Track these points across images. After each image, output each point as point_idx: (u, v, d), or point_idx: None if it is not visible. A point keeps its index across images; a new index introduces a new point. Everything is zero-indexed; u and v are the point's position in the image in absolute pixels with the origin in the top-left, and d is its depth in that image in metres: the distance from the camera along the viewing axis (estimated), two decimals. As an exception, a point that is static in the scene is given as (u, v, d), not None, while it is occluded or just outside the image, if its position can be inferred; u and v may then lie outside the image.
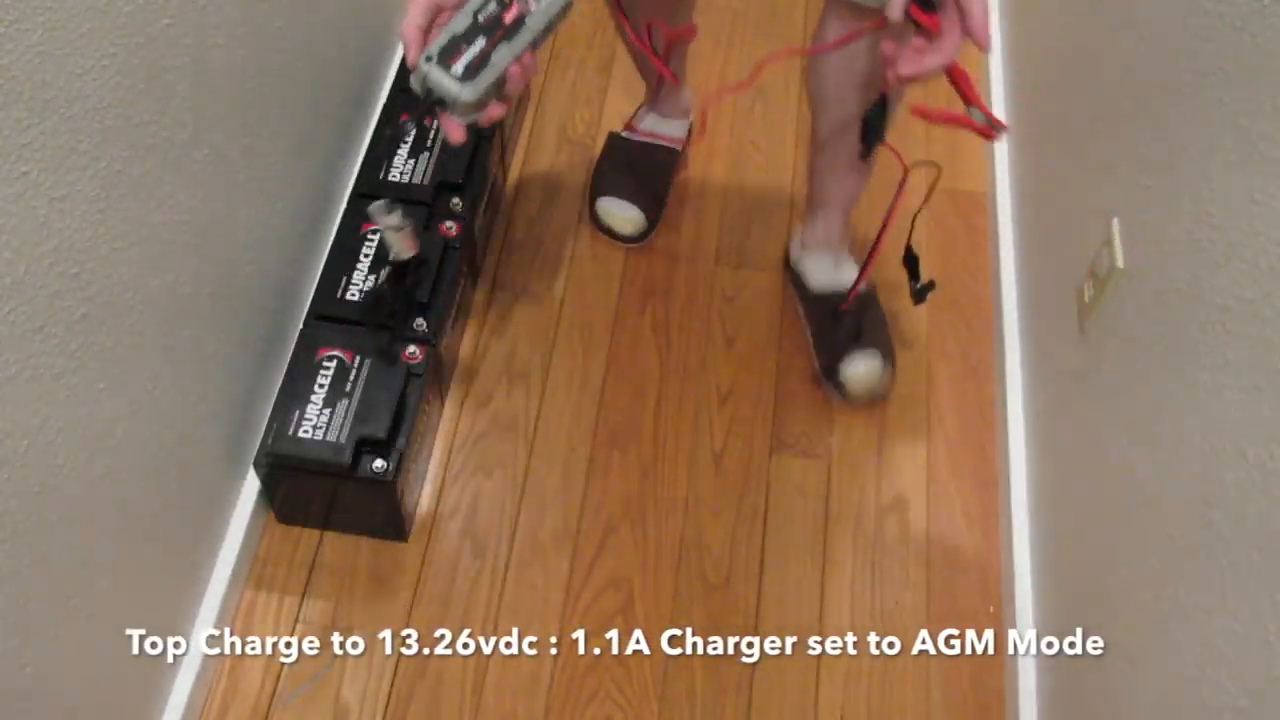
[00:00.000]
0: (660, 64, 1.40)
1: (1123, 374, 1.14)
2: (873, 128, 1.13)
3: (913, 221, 1.36)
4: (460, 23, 0.93)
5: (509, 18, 0.94)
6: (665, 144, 1.65)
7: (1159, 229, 1.09)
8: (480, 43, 0.93)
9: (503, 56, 0.94)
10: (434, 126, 1.50)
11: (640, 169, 1.64)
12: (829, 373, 1.48)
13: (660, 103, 1.64)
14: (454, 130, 0.98)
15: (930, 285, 1.38)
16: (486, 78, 0.94)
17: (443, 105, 0.95)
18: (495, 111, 0.99)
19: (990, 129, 1.01)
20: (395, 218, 1.11)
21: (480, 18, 0.93)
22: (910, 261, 1.38)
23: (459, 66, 0.93)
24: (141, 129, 0.99)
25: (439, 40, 0.94)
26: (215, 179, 1.14)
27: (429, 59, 0.93)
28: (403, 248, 1.16)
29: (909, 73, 0.96)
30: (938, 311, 1.59)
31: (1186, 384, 0.99)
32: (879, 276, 1.52)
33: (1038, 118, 1.57)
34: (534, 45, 0.96)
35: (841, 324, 1.48)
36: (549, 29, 0.97)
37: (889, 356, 1.48)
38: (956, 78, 0.98)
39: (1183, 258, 1.03)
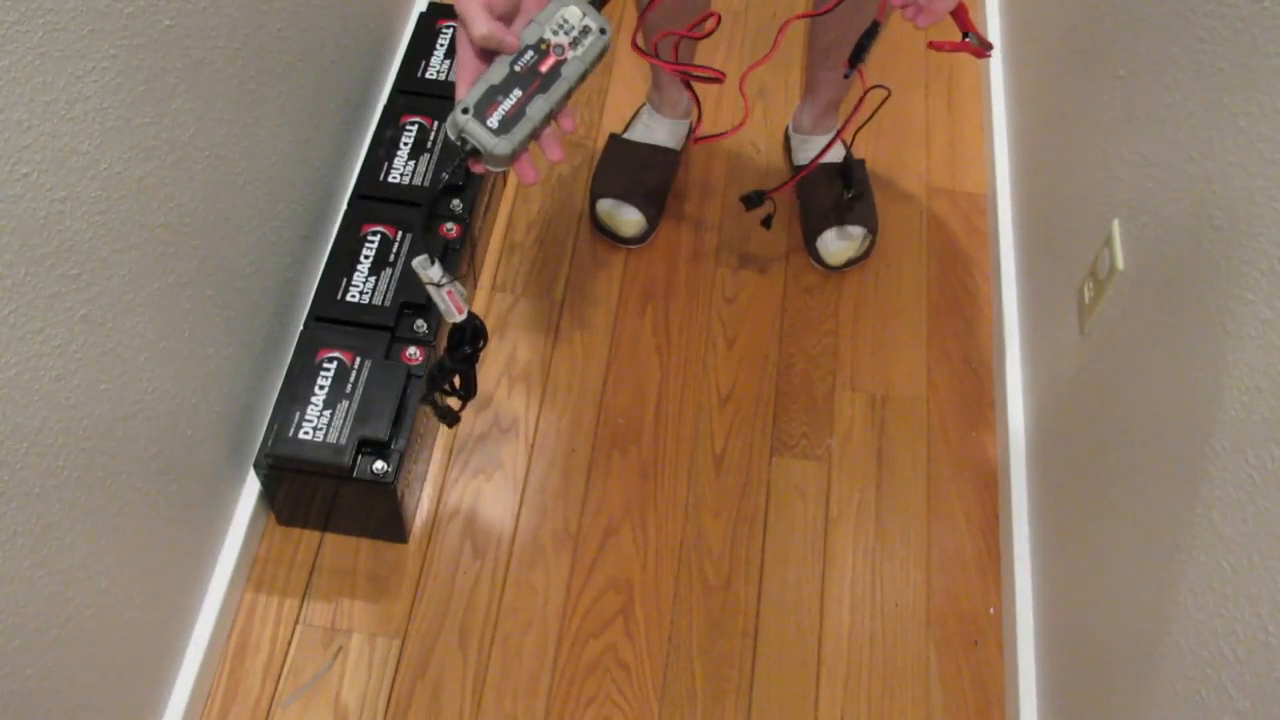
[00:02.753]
0: (690, 84, 1.35)
1: (1123, 374, 1.14)
2: (861, 50, 1.22)
3: (854, 135, 1.56)
4: (497, 73, 0.92)
5: (545, 67, 0.93)
6: (665, 145, 1.65)
7: (1159, 230, 1.09)
8: (516, 94, 0.92)
9: (538, 109, 0.92)
10: (434, 127, 1.50)
11: (640, 171, 1.64)
12: (810, 244, 1.62)
13: (662, 104, 1.65)
14: (527, 173, 0.97)
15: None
16: (521, 130, 0.92)
17: (477, 156, 0.94)
18: (527, 175, 0.97)
19: (982, 49, 1.16)
20: (432, 272, 1.01)
21: (517, 68, 0.92)
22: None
23: (494, 119, 0.92)
24: (142, 130, 0.99)
25: (476, 91, 0.92)
26: (215, 180, 1.14)
27: (465, 110, 0.92)
28: (448, 308, 1.05)
29: (927, 23, 1.07)
30: (938, 312, 1.59)
31: (1187, 385, 0.99)
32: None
33: (1038, 119, 1.57)
34: (570, 94, 0.95)
35: (822, 198, 1.62)
36: (584, 77, 0.95)
37: (869, 225, 1.62)
38: (956, 10, 1.11)
39: (1183, 259, 1.03)
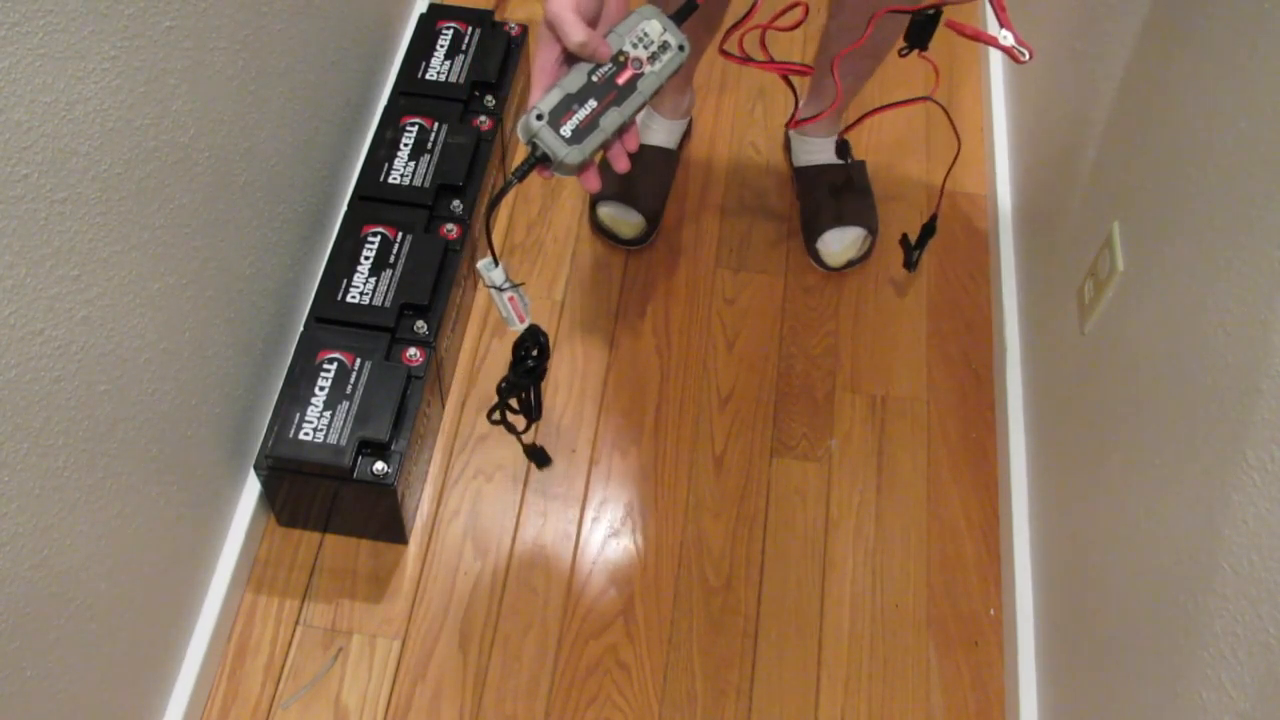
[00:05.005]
0: (783, 70, 1.30)
1: (1123, 375, 1.14)
2: (921, 32, 1.17)
3: (943, 185, 1.58)
4: (574, 81, 0.91)
5: (623, 80, 0.92)
6: (664, 146, 1.65)
7: (1160, 232, 1.09)
8: (591, 104, 0.92)
9: (611, 121, 0.92)
10: (435, 128, 1.50)
11: (640, 172, 1.63)
12: (810, 245, 1.62)
13: (661, 105, 1.65)
14: (592, 181, 0.97)
15: (920, 253, 1.52)
16: (593, 142, 0.92)
17: (547, 163, 0.93)
18: (590, 183, 0.97)
19: (1018, 52, 1.11)
20: (495, 275, 1.00)
21: (594, 78, 0.92)
22: (927, 231, 1.52)
23: (568, 128, 0.91)
24: (142, 131, 0.99)
25: (552, 97, 0.91)
26: (216, 181, 1.14)
27: (540, 116, 0.91)
28: (509, 315, 1.04)
29: None
30: (938, 312, 1.59)
31: (1187, 385, 0.99)
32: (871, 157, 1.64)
33: (1038, 120, 1.57)
34: (643, 107, 0.95)
35: (823, 198, 1.62)
36: (658, 91, 0.95)
37: (869, 225, 1.62)
38: (995, 4, 1.08)
39: (1183, 260, 1.03)
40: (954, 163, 1.57)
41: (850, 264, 1.61)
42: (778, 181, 1.71)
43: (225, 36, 1.11)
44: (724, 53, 1.18)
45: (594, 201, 1.63)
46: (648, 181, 1.63)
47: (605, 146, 0.94)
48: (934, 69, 1.30)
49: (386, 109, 1.54)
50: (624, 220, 1.60)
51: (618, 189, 1.62)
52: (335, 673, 1.29)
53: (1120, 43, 1.26)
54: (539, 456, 1.10)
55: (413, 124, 1.50)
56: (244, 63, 1.16)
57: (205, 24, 1.07)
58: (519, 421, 1.10)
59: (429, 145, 1.48)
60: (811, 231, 1.62)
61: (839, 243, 1.60)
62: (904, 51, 1.20)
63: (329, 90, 1.43)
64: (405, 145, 1.48)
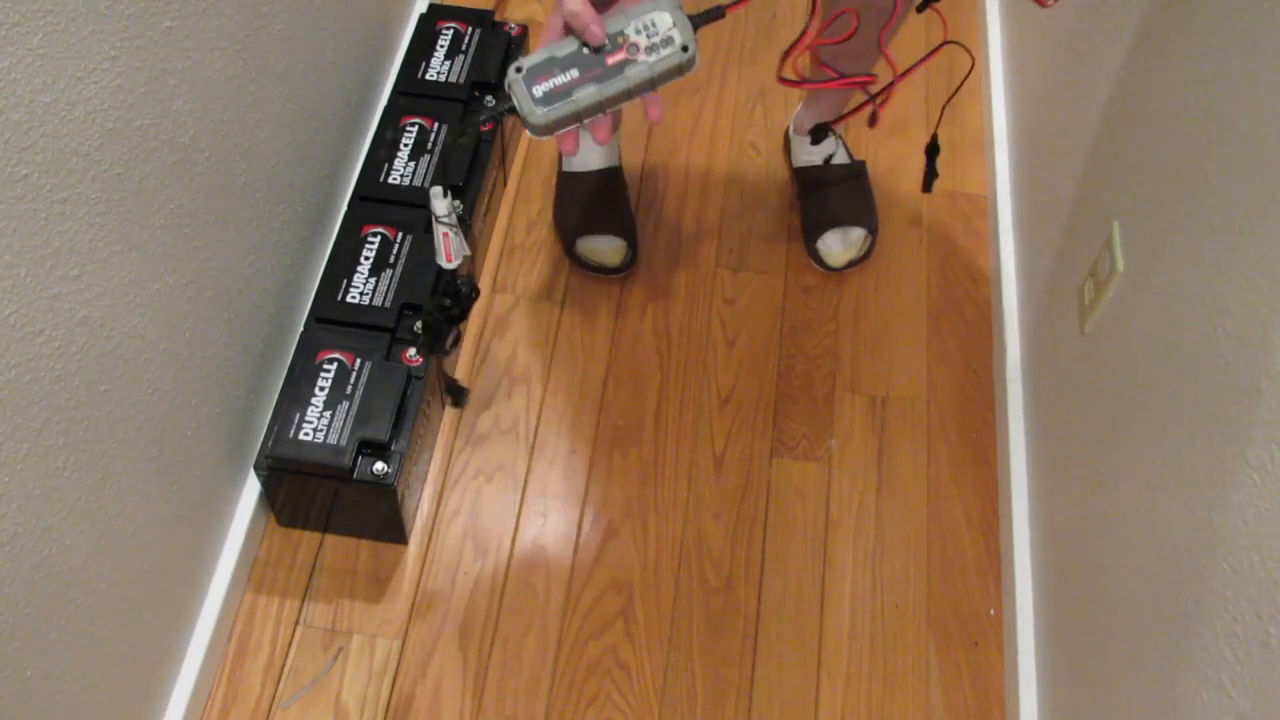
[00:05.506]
0: (848, 84, 1.25)
1: (1124, 376, 1.14)
2: None
3: (943, 108, 1.55)
4: (563, 47, 0.91)
5: (612, 60, 0.91)
6: (610, 166, 1.63)
7: (1159, 232, 1.09)
8: (572, 74, 0.90)
9: (586, 95, 0.90)
10: (435, 128, 1.50)
11: (604, 198, 1.61)
12: (810, 245, 1.61)
13: (591, 128, 1.60)
14: (567, 144, 0.96)
15: (936, 174, 1.47)
16: (561, 109, 0.91)
17: (515, 112, 0.92)
18: (568, 145, 0.96)
19: None
20: (438, 205, 1.01)
21: (585, 50, 0.90)
22: (932, 149, 1.46)
23: (541, 89, 0.90)
24: (142, 131, 0.99)
25: (537, 55, 0.91)
26: (216, 181, 1.14)
27: (519, 69, 0.91)
28: (440, 250, 1.04)
29: None
30: (938, 314, 1.59)
31: (1187, 385, 0.99)
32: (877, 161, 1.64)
33: (1038, 120, 1.57)
34: (629, 96, 0.93)
35: (823, 199, 1.62)
36: (651, 85, 0.93)
37: (869, 226, 1.62)
38: None
39: (1183, 260, 1.03)
40: (964, 79, 1.47)
41: (851, 264, 1.61)
42: (778, 181, 1.71)
43: (225, 36, 1.11)
44: (783, 80, 1.16)
45: (571, 242, 1.60)
46: (615, 205, 1.61)
47: (579, 119, 0.92)
48: (942, 21, 1.29)
49: (386, 109, 1.54)
50: (606, 249, 1.58)
51: (592, 222, 1.59)
52: (335, 673, 1.29)
53: (1120, 43, 1.26)
54: (455, 392, 1.12)
55: (413, 124, 1.50)
56: (244, 63, 1.16)
57: (205, 24, 1.07)
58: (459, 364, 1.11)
59: (429, 145, 1.49)
60: (812, 232, 1.62)
61: (840, 243, 1.60)
62: (920, 7, 1.18)
63: (329, 90, 1.43)
64: (405, 145, 1.48)
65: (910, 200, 1.70)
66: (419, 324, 1.10)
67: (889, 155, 1.74)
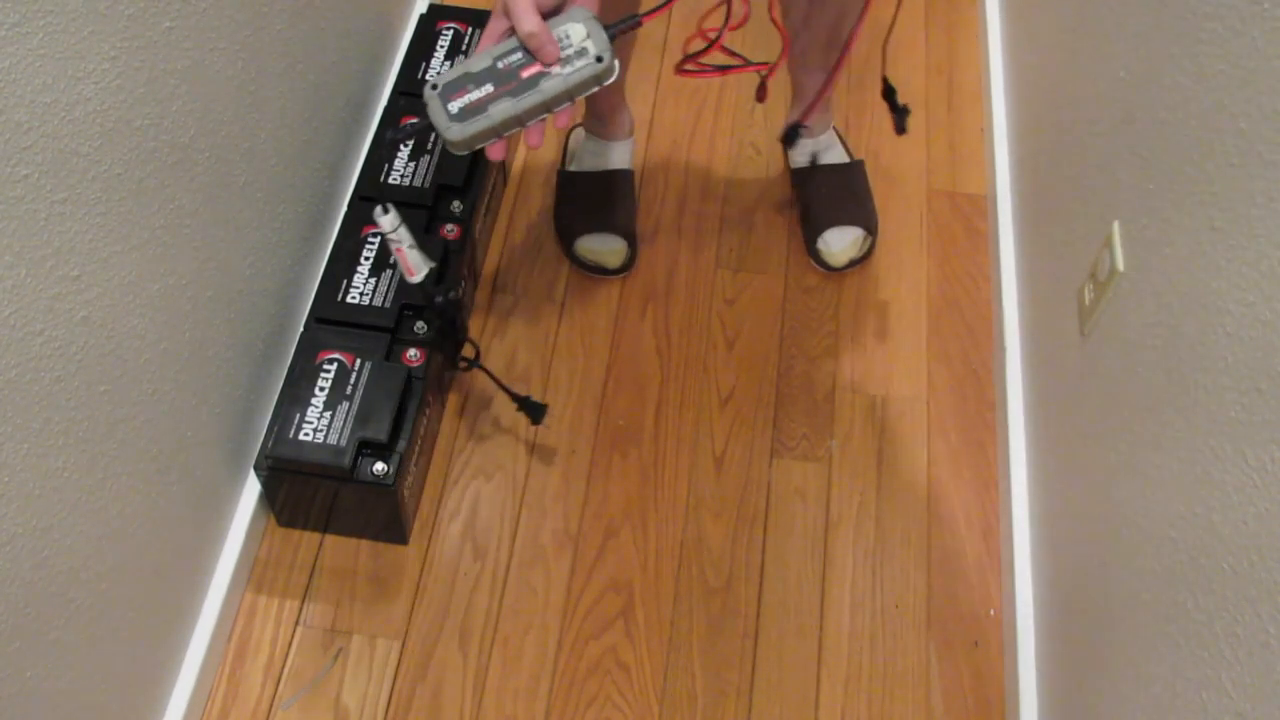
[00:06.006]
0: (749, 69, 1.30)
1: (1123, 376, 1.14)
2: None
3: (883, 49, 1.48)
4: (478, 62, 0.91)
5: (527, 74, 0.91)
6: (622, 168, 1.62)
7: (1160, 231, 1.09)
8: (487, 89, 0.91)
9: (501, 110, 0.91)
10: (435, 138, 1.50)
11: (606, 199, 1.60)
12: (810, 245, 1.61)
13: (607, 129, 1.61)
14: (493, 152, 0.97)
15: (907, 110, 1.48)
16: (476, 125, 0.91)
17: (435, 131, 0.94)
18: (494, 153, 0.97)
19: None
20: (384, 221, 1.02)
21: (500, 64, 0.91)
22: (888, 93, 1.49)
23: (456, 105, 0.91)
24: (142, 132, 0.99)
25: (452, 73, 0.92)
26: (216, 182, 1.14)
27: (434, 87, 0.92)
28: (401, 267, 1.06)
29: None
30: (938, 314, 1.59)
31: (1187, 385, 0.99)
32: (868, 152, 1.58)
33: (1038, 120, 1.57)
34: (547, 109, 0.93)
35: (822, 199, 1.62)
36: (569, 96, 0.93)
37: (868, 225, 1.61)
38: None
39: (1183, 260, 1.03)
40: (892, 25, 1.42)
41: (852, 264, 1.61)
42: (778, 182, 1.71)
43: (225, 37, 1.11)
44: (682, 71, 1.19)
45: (570, 242, 1.59)
46: (617, 207, 1.60)
47: (497, 134, 0.93)
48: None
49: (387, 109, 1.54)
50: (606, 250, 1.58)
51: (593, 222, 1.59)
52: (335, 673, 1.29)
53: (1120, 42, 1.26)
54: (532, 409, 1.12)
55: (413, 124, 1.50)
56: (244, 63, 1.16)
57: (205, 24, 1.07)
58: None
59: (429, 146, 1.48)
60: (811, 232, 1.62)
61: (840, 243, 1.60)
62: None
63: (329, 90, 1.43)
64: (405, 145, 1.48)
65: (910, 200, 1.70)
66: (440, 362, 1.12)
67: (889, 155, 1.74)
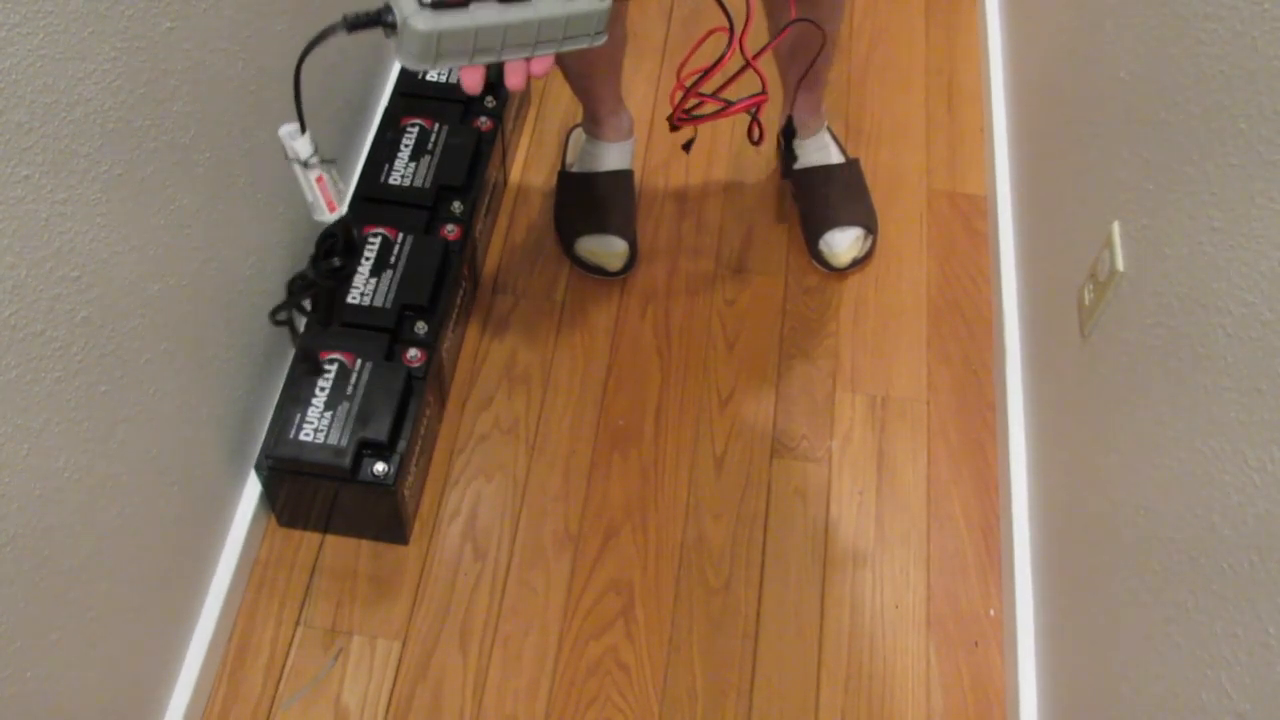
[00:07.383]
0: (743, 107, 1.28)
1: (1123, 376, 1.14)
2: None
3: (796, 89, 1.53)
4: None
5: None
6: (622, 169, 1.62)
7: (1159, 232, 1.09)
8: None
9: (486, 14, 0.76)
10: (435, 131, 1.50)
11: (606, 200, 1.60)
12: (811, 246, 1.62)
13: (603, 131, 1.61)
14: (466, 81, 0.83)
15: (795, 156, 1.61)
16: (454, 20, 0.76)
17: (392, 28, 0.76)
18: (513, 79, 0.84)
19: None
20: (299, 146, 0.83)
21: None
22: (788, 132, 1.57)
23: None
24: (143, 132, 0.99)
25: None
26: (216, 182, 1.14)
27: None
28: (317, 200, 0.86)
29: None
30: (938, 314, 1.59)
31: (1187, 386, 0.99)
32: (866, 156, 1.56)
33: (1038, 120, 1.57)
34: (535, 41, 0.81)
35: (821, 199, 1.62)
36: (559, 32, 0.81)
37: (868, 224, 1.62)
38: None
39: (1183, 260, 1.03)
40: (814, 59, 1.42)
41: (854, 263, 1.61)
42: (777, 182, 1.71)
43: (225, 38, 1.11)
44: (677, 123, 1.20)
45: (571, 242, 1.59)
46: (618, 207, 1.60)
47: (468, 46, 0.78)
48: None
49: (387, 110, 1.54)
50: (606, 251, 1.58)
51: (594, 223, 1.59)
52: (335, 673, 1.29)
53: (1120, 43, 1.26)
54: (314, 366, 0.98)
55: (413, 125, 1.50)
56: (244, 63, 1.16)
57: (205, 25, 1.07)
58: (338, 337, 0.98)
59: (430, 146, 1.49)
60: (813, 234, 1.62)
61: (842, 244, 1.60)
62: None
63: (329, 91, 1.43)
64: (406, 146, 1.48)
65: (910, 200, 1.70)
66: (308, 299, 0.95)
67: (889, 155, 1.74)
